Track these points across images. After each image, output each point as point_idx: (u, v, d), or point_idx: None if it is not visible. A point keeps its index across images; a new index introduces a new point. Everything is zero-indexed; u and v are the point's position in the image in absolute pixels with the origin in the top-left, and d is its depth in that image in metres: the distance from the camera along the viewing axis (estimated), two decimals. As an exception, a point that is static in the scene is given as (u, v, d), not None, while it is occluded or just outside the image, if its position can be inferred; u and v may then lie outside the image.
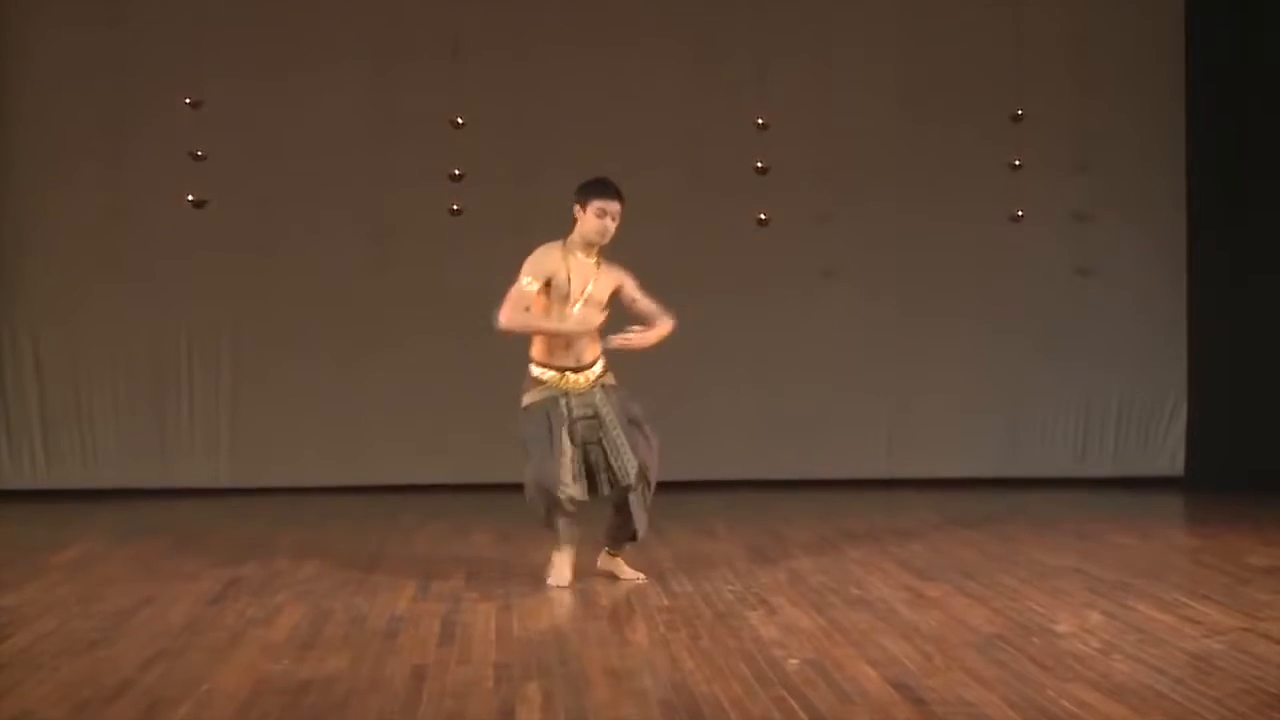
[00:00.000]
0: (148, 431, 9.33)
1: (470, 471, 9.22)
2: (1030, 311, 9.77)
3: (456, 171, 8.73)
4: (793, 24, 9.59)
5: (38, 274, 9.25)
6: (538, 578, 6.11)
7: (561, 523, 5.83)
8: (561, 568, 5.92)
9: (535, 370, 5.87)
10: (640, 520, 5.91)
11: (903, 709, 4.01)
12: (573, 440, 5.78)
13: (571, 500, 5.76)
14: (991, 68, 9.54)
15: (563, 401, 5.80)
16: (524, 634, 5.04)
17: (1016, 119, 9.16)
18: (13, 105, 9.18)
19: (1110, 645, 4.77)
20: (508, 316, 5.71)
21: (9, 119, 9.17)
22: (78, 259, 9.27)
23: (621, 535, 6.01)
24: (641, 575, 6.05)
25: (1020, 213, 9.31)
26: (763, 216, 9.15)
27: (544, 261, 5.79)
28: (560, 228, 9.50)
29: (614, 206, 5.85)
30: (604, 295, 5.86)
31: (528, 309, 5.73)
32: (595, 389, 5.86)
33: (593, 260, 5.87)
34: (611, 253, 9.40)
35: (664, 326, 6.03)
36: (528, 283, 5.73)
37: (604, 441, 5.82)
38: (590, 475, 5.85)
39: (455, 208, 8.90)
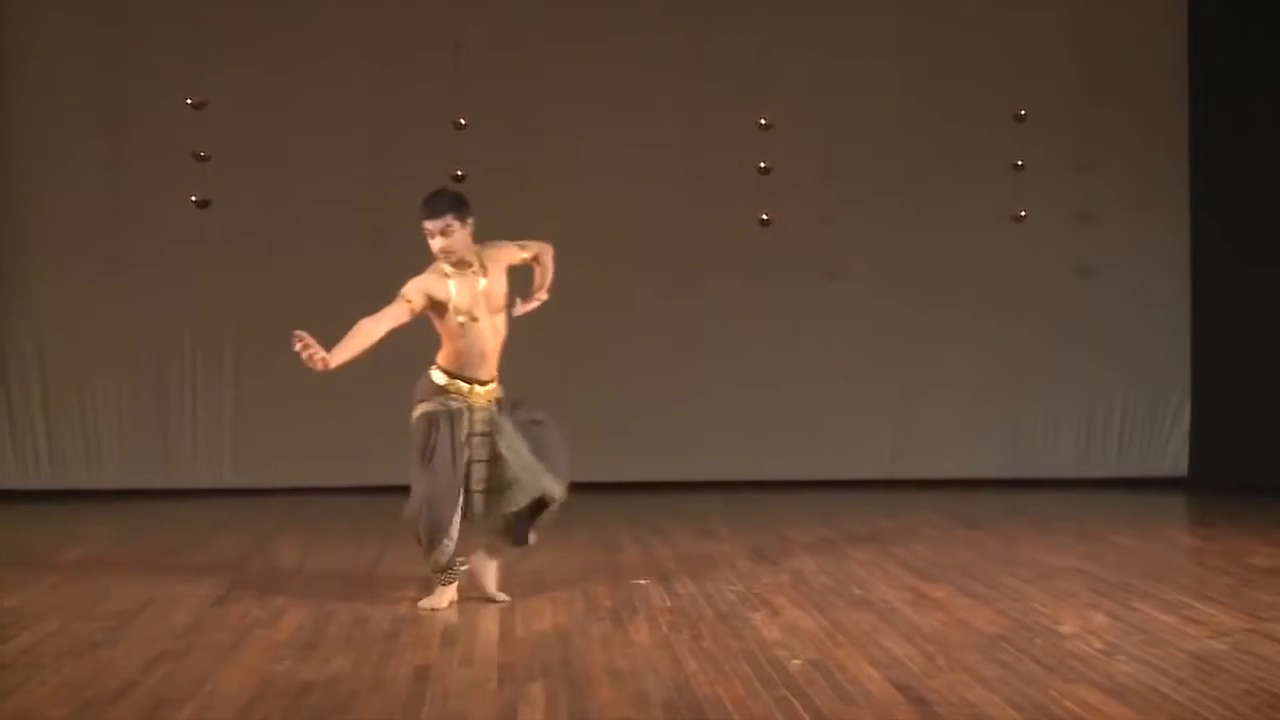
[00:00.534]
0: (151, 432, 9.33)
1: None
2: (1033, 312, 9.76)
3: (459, 172, 8.73)
4: (795, 24, 9.59)
5: (41, 275, 9.26)
6: (540, 579, 6.12)
7: (446, 549, 5.35)
8: (448, 591, 5.48)
9: (439, 378, 5.44)
10: (535, 529, 5.59)
11: (905, 710, 4.01)
12: (469, 458, 5.39)
13: (457, 526, 5.35)
14: (994, 68, 9.54)
15: (465, 415, 5.41)
16: (527, 635, 5.04)
17: (1019, 119, 9.17)
18: (15, 106, 9.19)
19: (1113, 646, 4.77)
20: (362, 336, 5.19)
21: (11, 120, 9.17)
22: (81, 260, 9.28)
23: (516, 532, 5.57)
24: (507, 597, 5.58)
25: (1023, 213, 9.31)
26: (765, 217, 9.16)
27: (420, 283, 5.35)
28: (562, 228, 9.56)
29: (438, 224, 5.37)
30: (503, 289, 5.49)
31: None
32: (493, 404, 5.49)
33: (473, 269, 5.44)
34: (613, 251, 9.48)
35: (546, 261, 5.81)
36: (406, 305, 5.29)
37: (501, 463, 5.41)
38: (476, 496, 5.44)
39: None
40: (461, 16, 9.24)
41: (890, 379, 9.68)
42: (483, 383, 5.48)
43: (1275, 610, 5.34)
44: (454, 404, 5.41)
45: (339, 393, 9.28)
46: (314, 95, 9.27)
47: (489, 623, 5.22)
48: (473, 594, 5.80)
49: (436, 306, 5.37)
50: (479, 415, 5.45)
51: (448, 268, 5.41)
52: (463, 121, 8.79)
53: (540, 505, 5.52)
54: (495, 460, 5.43)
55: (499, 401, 5.53)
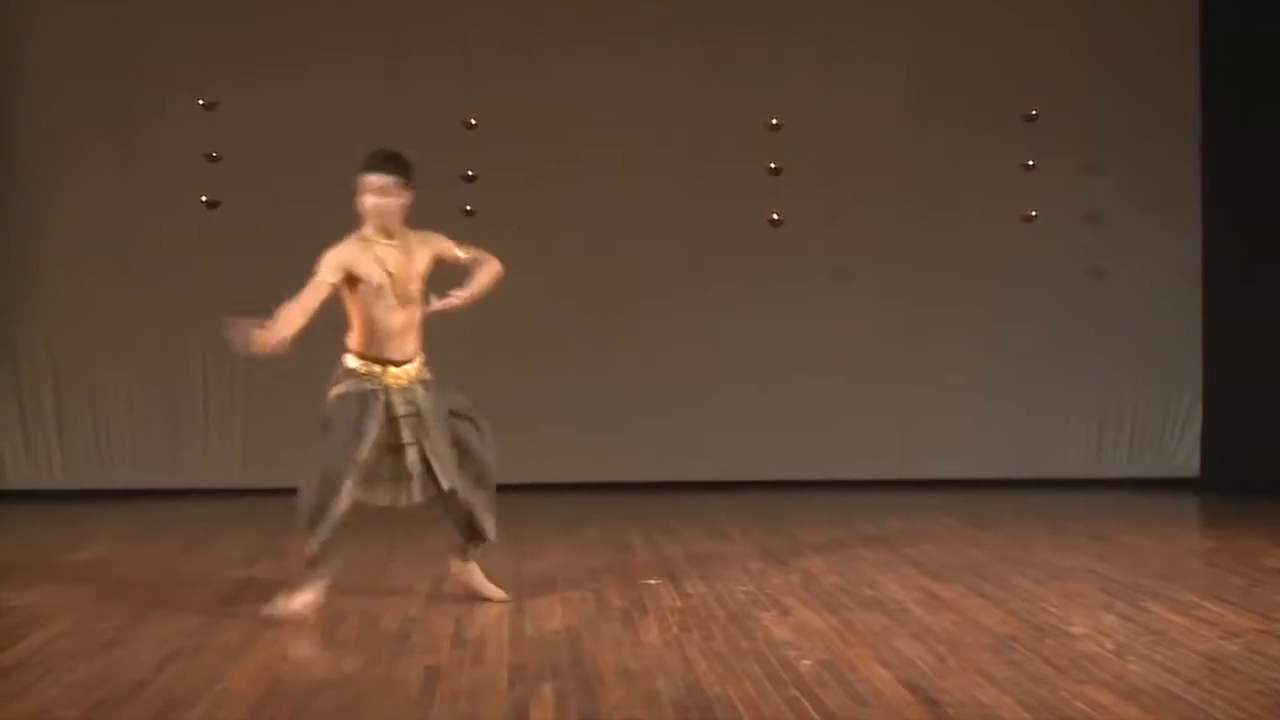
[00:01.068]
0: (161, 432, 9.35)
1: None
2: (1043, 312, 9.74)
3: (470, 172, 8.75)
4: (805, 25, 9.58)
5: (52, 276, 9.28)
6: (550, 579, 6.12)
7: (324, 531, 5.12)
8: (307, 592, 5.20)
9: (352, 362, 5.27)
10: (487, 522, 5.46)
11: (916, 710, 4.00)
12: (386, 442, 5.21)
13: (342, 510, 5.13)
14: (1004, 68, 9.53)
15: (381, 398, 5.21)
16: (537, 635, 5.04)
17: (1030, 119, 9.16)
18: (27, 106, 9.20)
19: (1124, 647, 4.76)
20: (287, 322, 5.00)
21: (23, 120, 9.19)
22: (92, 260, 9.30)
23: (469, 536, 5.49)
24: (506, 595, 5.53)
25: (1033, 213, 9.29)
26: (775, 217, 9.15)
27: (339, 255, 5.19)
28: (572, 228, 9.59)
29: (377, 180, 5.21)
30: (420, 271, 5.30)
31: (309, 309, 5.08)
32: (416, 385, 5.30)
33: (395, 243, 5.28)
34: (622, 251, 9.48)
35: (485, 274, 5.51)
36: (327, 281, 5.13)
37: (424, 444, 5.27)
38: (394, 480, 5.26)
39: (468, 208, 8.91)
40: (471, 17, 9.24)
41: (900, 379, 9.67)
42: (397, 363, 5.27)
43: (1287, 611, 5.33)
44: (367, 386, 5.22)
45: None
46: (324, 96, 9.27)
47: (499, 623, 5.22)
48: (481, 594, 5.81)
49: (350, 279, 5.18)
50: (398, 397, 5.24)
51: (370, 233, 5.23)
52: (473, 121, 8.80)
53: (462, 510, 5.37)
54: (414, 444, 5.24)
55: (424, 383, 5.32)
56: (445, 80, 9.12)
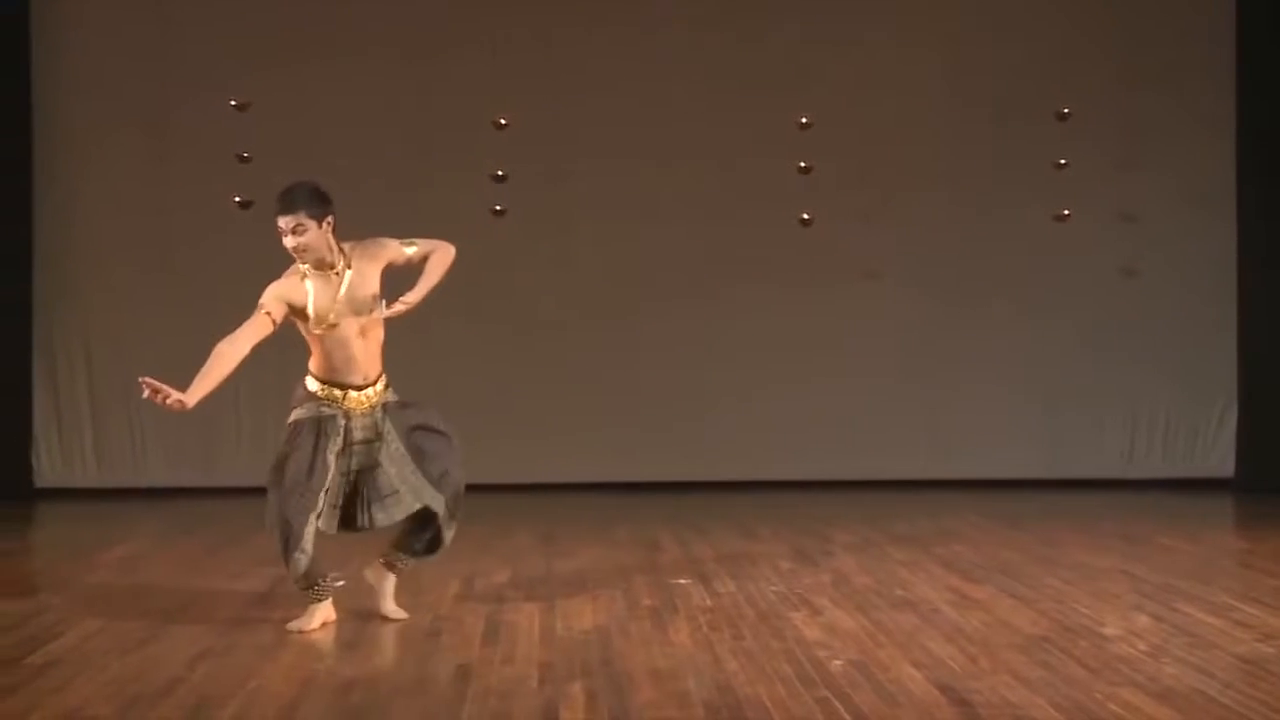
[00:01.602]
0: (195, 432, 9.39)
1: (512, 472, 9.26)
2: (1077, 311, 9.68)
3: (499, 172, 8.77)
4: (836, 23, 9.56)
5: (87, 276, 9.35)
6: (581, 578, 6.13)
7: (301, 561, 4.99)
8: (311, 616, 5.11)
9: (312, 385, 5.14)
10: (448, 535, 5.25)
11: (947, 711, 3.99)
12: (345, 467, 5.09)
13: (312, 538, 4.99)
14: (1037, 65, 9.47)
15: (341, 423, 5.08)
16: (567, 634, 5.05)
17: (1062, 117, 9.10)
18: (62, 108, 9.28)
19: (1158, 648, 4.73)
20: (221, 361, 5.02)
21: (59, 122, 9.26)
22: (126, 260, 9.36)
23: (411, 543, 5.25)
24: (404, 613, 5.26)
25: (1066, 211, 9.24)
26: (806, 216, 9.14)
27: (278, 289, 5.05)
28: (602, 228, 9.60)
29: (285, 222, 5.01)
30: (368, 291, 5.09)
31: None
32: (377, 409, 5.14)
33: (334, 270, 5.08)
34: (652, 250, 9.48)
35: (433, 267, 5.22)
36: (267, 315, 5.00)
37: (380, 471, 5.10)
38: (354, 506, 5.14)
39: (498, 208, 8.93)
40: (502, 16, 9.26)
41: (932, 379, 9.63)
42: (357, 388, 5.11)
43: (1324, 613, 5.29)
44: (325, 411, 5.08)
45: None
46: (355, 96, 9.31)
47: (530, 622, 5.23)
48: (514, 592, 5.82)
49: (297, 312, 5.06)
50: (359, 422, 5.11)
51: (305, 268, 5.06)
52: (503, 121, 8.81)
53: (428, 517, 5.19)
54: (375, 468, 5.11)
55: (385, 406, 5.17)
56: (475, 80, 9.14)
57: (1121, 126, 9.63)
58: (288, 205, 5.03)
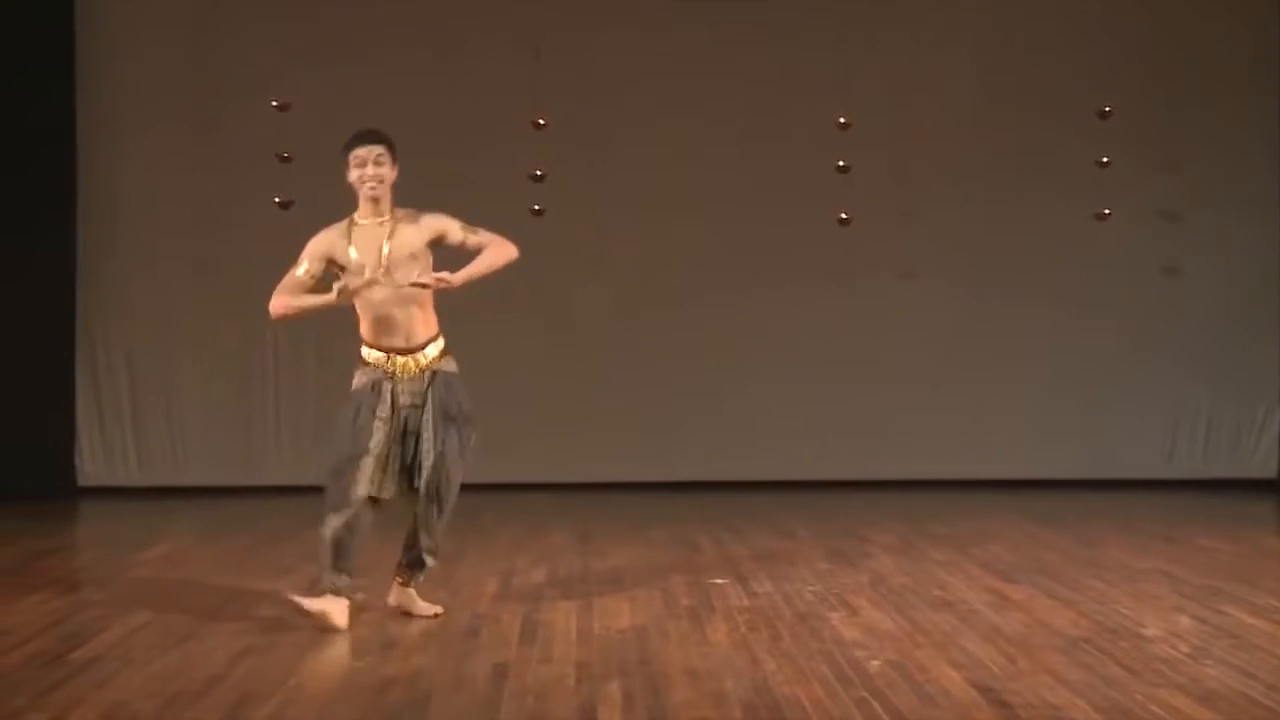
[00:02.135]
0: (235, 431, 9.48)
1: (549, 471, 9.28)
2: (1118, 311, 9.61)
3: (538, 172, 8.79)
4: (875, 22, 9.53)
5: (129, 277, 9.43)
6: (618, 577, 6.13)
7: (332, 524, 5.02)
8: (317, 601, 5.06)
9: (363, 351, 5.19)
10: (427, 546, 5.18)
11: (986, 712, 3.97)
12: (397, 433, 5.10)
13: (355, 507, 5.01)
14: (1078, 63, 9.40)
15: (388, 387, 5.10)
16: (605, 633, 5.05)
17: (1104, 115, 9.03)
18: (104, 110, 9.36)
19: (1200, 650, 4.69)
20: (273, 303, 5.13)
21: (100, 123, 9.35)
22: (167, 261, 9.44)
23: (410, 559, 5.24)
24: (439, 608, 5.27)
25: (1107, 211, 9.17)
26: (844, 215, 9.11)
27: (319, 243, 5.15)
28: (641, 226, 9.60)
29: (369, 151, 5.10)
30: (407, 252, 5.07)
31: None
32: (426, 374, 5.13)
33: (381, 220, 5.13)
34: (691, 250, 9.47)
35: (490, 255, 5.18)
36: (303, 270, 5.10)
37: (424, 437, 5.11)
38: (403, 471, 5.15)
39: (537, 208, 8.95)
40: (541, 17, 9.28)
41: (972, 378, 9.59)
42: (402, 351, 5.12)
43: (1369, 615, 5.22)
44: (374, 375, 5.13)
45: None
46: (394, 96, 9.32)
47: (567, 621, 5.24)
48: (551, 591, 5.83)
49: (338, 267, 5.10)
50: (407, 386, 5.12)
51: (362, 218, 5.13)
52: (542, 121, 8.83)
53: (415, 534, 5.18)
54: (418, 433, 5.12)
55: (438, 373, 5.15)
56: (514, 80, 9.16)
57: (1163, 126, 9.55)
58: (372, 137, 5.16)
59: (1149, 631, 4.98)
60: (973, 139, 9.58)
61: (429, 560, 5.26)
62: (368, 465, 5.06)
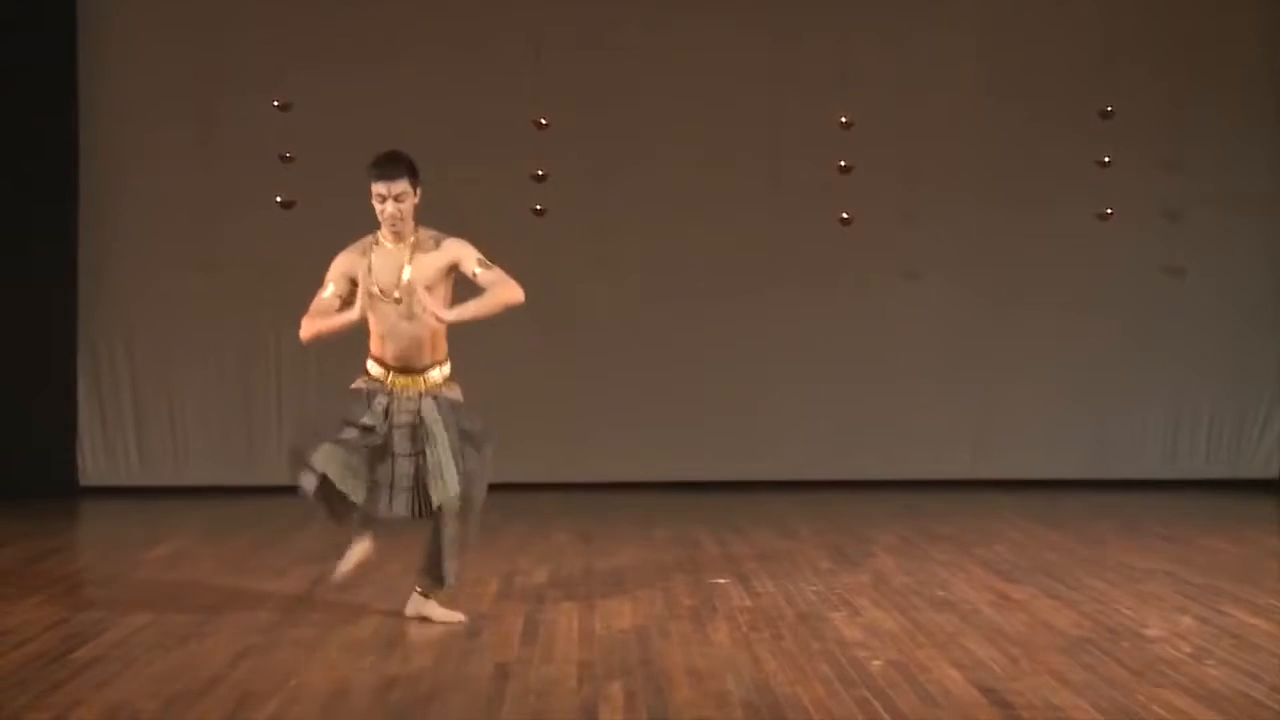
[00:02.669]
0: (237, 431, 9.47)
1: (552, 471, 9.28)
2: (1120, 311, 9.61)
3: (540, 172, 8.78)
4: (877, 22, 9.52)
5: (130, 276, 9.43)
6: (620, 577, 6.13)
7: (307, 480, 5.08)
8: (347, 557, 5.23)
9: (368, 363, 5.24)
10: (450, 559, 5.16)
11: (988, 712, 3.97)
12: (387, 448, 5.11)
13: (323, 462, 5.03)
14: (1080, 63, 9.40)
15: (382, 401, 5.12)
16: (606, 633, 5.05)
17: (1106, 115, 9.02)
18: (106, 110, 9.36)
19: (1202, 650, 4.69)
20: (303, 329, 5.14)
21: (102, 123, 9.35)
22: (169, 261, 9.43)
23: (431, 572, 5.22)
24: (460, 615, 5.24)
25: (1109, 210, 9.17)
26: (846, 215, 9.11)
27: (341, 263, 5.15)
28: (642, 227, 9.60)
29: (389, 189, 5.04)
30: (425, 280, 5.04)
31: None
32: (428, 397, 5.14)
33: (404, 245, 5.12)
34: (693, 250, 9.48)
35: (490, 296, 5.06)
36: (329, 292, 5.12)
37: (426, 457, 5.09)
38: (389, 487, 5.12)
39: (538, 208, 8.95)
40: (542, 16, 9.27)
41: (973, 378, 9.58)
42: (404, 372, 5.13)
43: (1371, 615, 5.22)
44: (373, 387, 5.16)
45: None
46: (395, 95, 9.34)
47: (569, 621, 5.24)
48: (553, 591, 5.83)
49: (357, 284, 5.10)
50: (403, 405, 5.12)
51: (384, 240, 5.12)
52: (543, 121, 8.83)
53: (437, 546, 5.15)
54: (412, 456, 5.10)
55: (439, 398, 5.15)
56: (515, 80, 9.15)
57: (1166, 126, 9.54)
58: (393, 171, 5.08)
59: (1151, 632, 4.98)
60: (975, 139, 9.57)
61: (449, 580, 5.23)
62: (345, 448, 5.03)
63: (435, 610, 5.25)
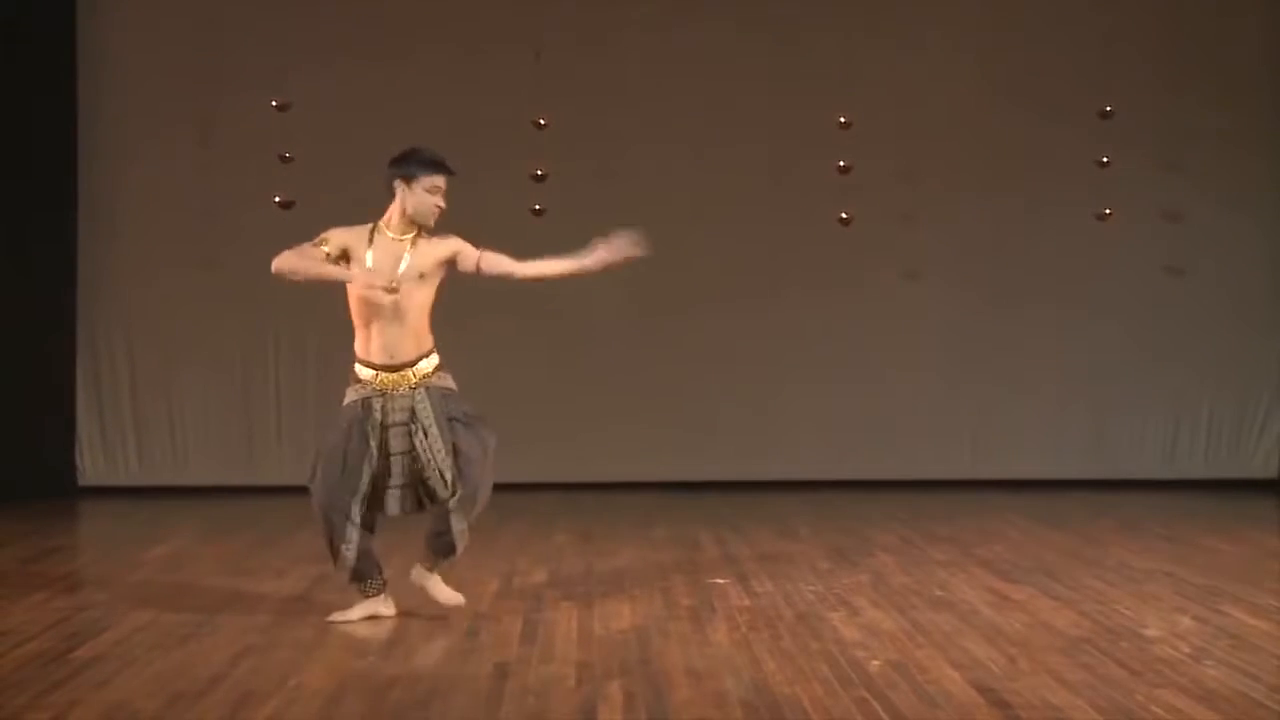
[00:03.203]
0: (236, 431, 9.48)
1: (551, 471, 9.28)
2: (1119, 311, 9.61)
3: (539, 171, 8.78)
4: (876, 22, 9.52)
5: (130, 276, 9.43)
6: (619, 577, 6.13)
7: (347, 555, 5.11)
8: (357, 608, 5.22)
9: (356, 368, 5.20)
10: (460, 536, 5.17)
11: (986, 712, 3.97)
12: (382, 451, 5.11)
13: (357, 532, 5.09)
14: (1079, 63, 9.39)
15: (378, 405, 5.11)
16: (605, 633, 5.05)
17: (1105, 115, 9.02)
18: (103, 111, 9.35)
19: (1201, 650, 4.69)
20: (282, 260, 5.11)
21: (100, 125, 9.35)
22: (169, 261, 9.43)
23: (438, 547, 5.22)
24: (460, 597, 5.29)
25: (1108, 210, 9.17)
26: (845, 215, 9.10)
27: (342, 234, 5.20)
28: (642, 227, 9.57)
29: (445, 182, 5.24)
30: (419, 270, 5.11)
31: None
32: (419, 389, 5.14)
33: (406, 238, 5.18)
34: (693, 250, 9.47)
35: (557, 261, 5.30)
36: (322, 246, 5.13)
37: (420, 451, 5.11)
38: (398, 489, 5.15)
39: (537, 208, 8.95)
40: (542, 17, 9.27)
41: (973, 378, 9.59)
42: (391, 369, 5.13)
43: (1370, 616, 5.22)
44: (365, 394, 5.14)
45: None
46: (395, 95, 9.34)
47: (568, 621, 5.24)
48: (552, 591, 5.84)
49: (354, 260, 5.14)
50: (395, 404, 5.12)
51: (385, 229, 5.18)
52: (543, 122, 8.83)
53: (444, 520, 5.17)
54: (409, 453, 5.12)
55: (430, 389, 5.16)
56: (515, 80, 9.15)
57: (1165, 126, 9.54)
58: (448, 167, 5.28)
59: (1150, 632, 4.98)
60: (975, 139, 9.57)
61: (459, 545, 5.21)
62: (359, 505, 5.10)
63: (438, 587, 5.27)
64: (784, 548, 6.98)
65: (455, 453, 5.15)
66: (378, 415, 5.12)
